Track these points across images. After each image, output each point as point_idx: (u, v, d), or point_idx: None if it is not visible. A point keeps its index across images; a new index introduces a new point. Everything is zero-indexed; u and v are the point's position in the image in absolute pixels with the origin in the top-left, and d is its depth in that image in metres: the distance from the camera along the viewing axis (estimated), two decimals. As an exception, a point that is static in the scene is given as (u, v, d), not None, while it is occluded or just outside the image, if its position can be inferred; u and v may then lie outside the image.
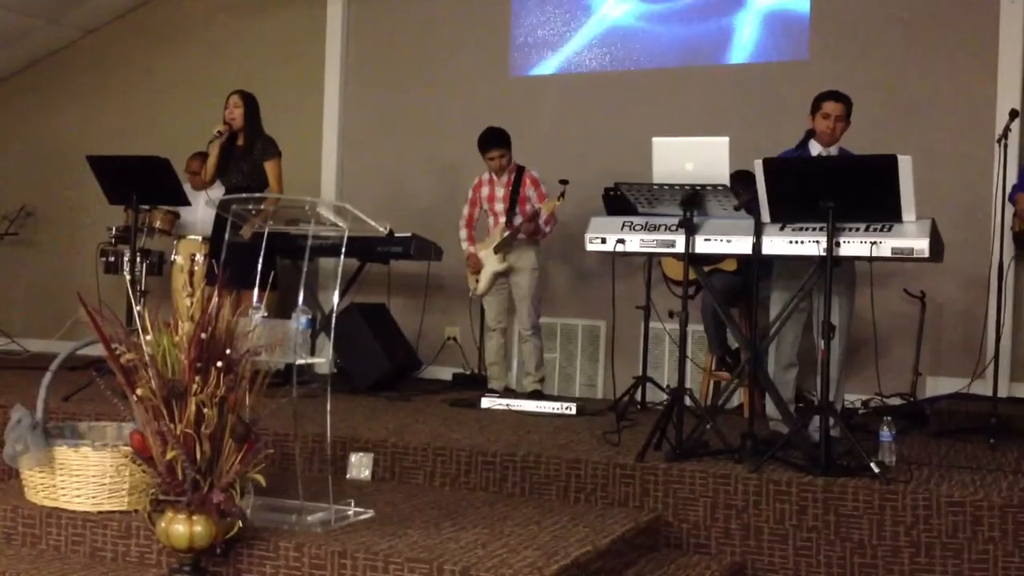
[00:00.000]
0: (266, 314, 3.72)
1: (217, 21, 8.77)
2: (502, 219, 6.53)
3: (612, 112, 7.44)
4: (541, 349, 6.63)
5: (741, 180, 5.00)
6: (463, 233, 6.70)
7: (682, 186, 4.40)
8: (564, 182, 6.23)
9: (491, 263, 6.52)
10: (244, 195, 4.52)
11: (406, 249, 6.90)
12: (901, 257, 4.25)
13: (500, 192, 6.56)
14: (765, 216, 4.40)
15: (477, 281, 6.61)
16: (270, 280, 3.85)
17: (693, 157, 4.45)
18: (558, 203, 6.27)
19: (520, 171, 6.55)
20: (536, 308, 6.54)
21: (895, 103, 6.65)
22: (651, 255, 5.59)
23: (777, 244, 4.40)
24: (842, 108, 4.84)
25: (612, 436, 4.76)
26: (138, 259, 6.67)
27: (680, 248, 4.52)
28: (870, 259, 4.33)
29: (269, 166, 6.35)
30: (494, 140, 6.48)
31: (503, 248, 6.47)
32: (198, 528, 3.24)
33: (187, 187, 7.03)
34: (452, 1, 8.06)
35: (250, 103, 6.42)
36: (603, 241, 4.72)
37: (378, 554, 3.26)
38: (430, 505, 4.03)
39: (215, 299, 3.31)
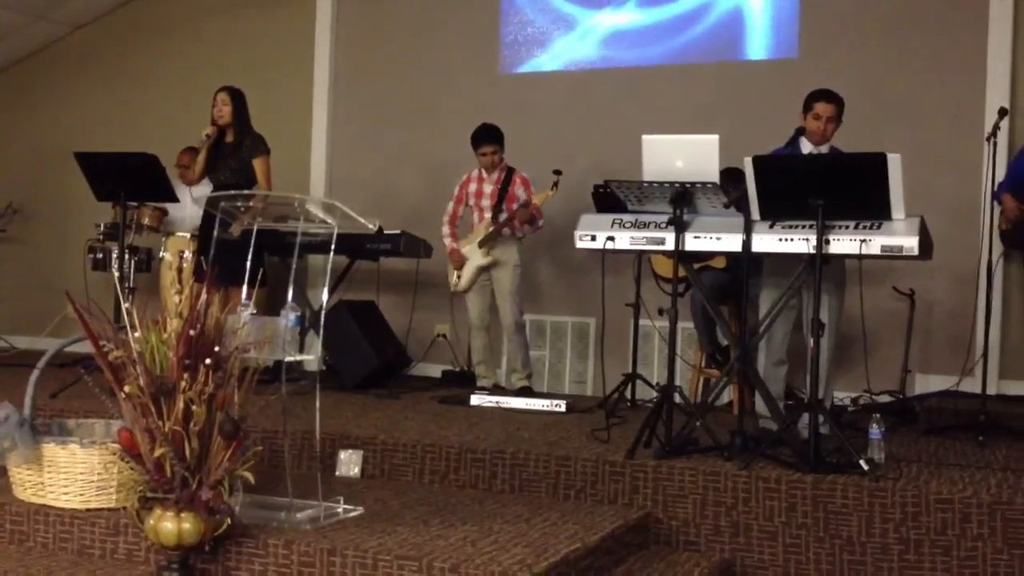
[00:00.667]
0: (255, 311, 3.71)
1: (207, 19, 8.75)
2: (487, 215, 6.52)
3: (602, 109, 7.44)
4: (526, 346, 6.63)
5: (731, 178, 5.00)
6: (445, 229, 6.69)
7: (672, 184, 4.40)
8: (558, 172, 6.23)
9: (475, 257, 6.52)
10: (232, 192, 4.51)
11: (395, 246, 6.90)
12: (890, 255, 4.26)
13: (488, 189, 6.56)
14: (755, 214, 4.41)
15: (458, 277, 6.60)
16: (259, 277, 3.83)
17: (683, 155, 4.45)
18: (551, 193, 6.26)
19: (510, 171, 6.55)
20: (518, 305, 6.54)
21: (884, 101, 6.66)
22: (641, 252, 5.59)
23: (767, 242, 4.41)
24: (833, 109, 4.85)
25: (602, 433, 4.76)
26: (126, 256, 6.65)
27: (670, 245, 4.52)
28: (859, 257, 4.35)
29: (258, 163, 6.33)
30: (486, 136, 6.48)
31: (488, 242, 6.46)
32: (186, 525, 3.23)
33: (177, 182, 7.01)
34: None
35: (238, 99, 6.39)
36: (593, 238, 4.72)
37: (367, 551, 3.25)
38: (419, 502, 4.02)
39: (203, 296, 3.30)
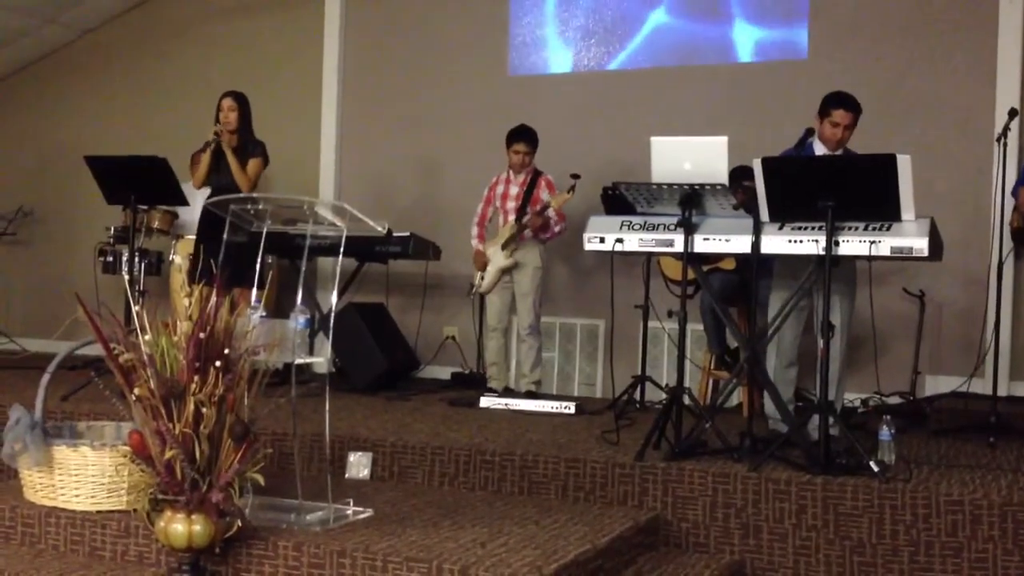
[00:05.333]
0: (264, 314, 3.72)
1: (216, 21, 8.77)
2: (512, 217, 6.53)
3: (611, 111, 7.44)
4: (539, 350, 6.60)
5: (744, 175, 5.00)
6: (474, 231, 6.70)
7: (680, 185, 4.39)
8: (576, 176, 6.24)
9: (497, 259, 6.52)
10: (241, 195, 4.53)
11: (404, 249, 6.90)
12: (900, 256, 4.25)
13: (514, 191, 6.56)
14: (764, 215, 4.40)
15: (482, 278, 6.61)
16: (256, 278, 3.84)
17: (691, 156, 4.45)
18: (568, 196, 6.27)
19: (537, 174, 6.56)
20: (536, 308, 6.53)
21: (894, 102, 6.65)
22: (650, 254, 5.59)
23: (776, 243, 4.40)
24: (852, 118, 4.80)
25: (611, 435, 4.76)
26: (136, 259, 6.67)
27: (679, 247, 4.52)
28: (869, 258, 4.33)
29: (253, 162, 6.34)
30: (522, 135, 6.50)
31: (510, 244, 6.47)
32: (197, 527, 3.24)
33: (190, 184, 7.02)
34: (451, 0, 8.06)
35: (243, 104, 6.40)
36: (601, 240, 4.72)
37: (377, 553, 3.26)
38: (429, 504, 4.03)
39: (213, 299, 3.31)
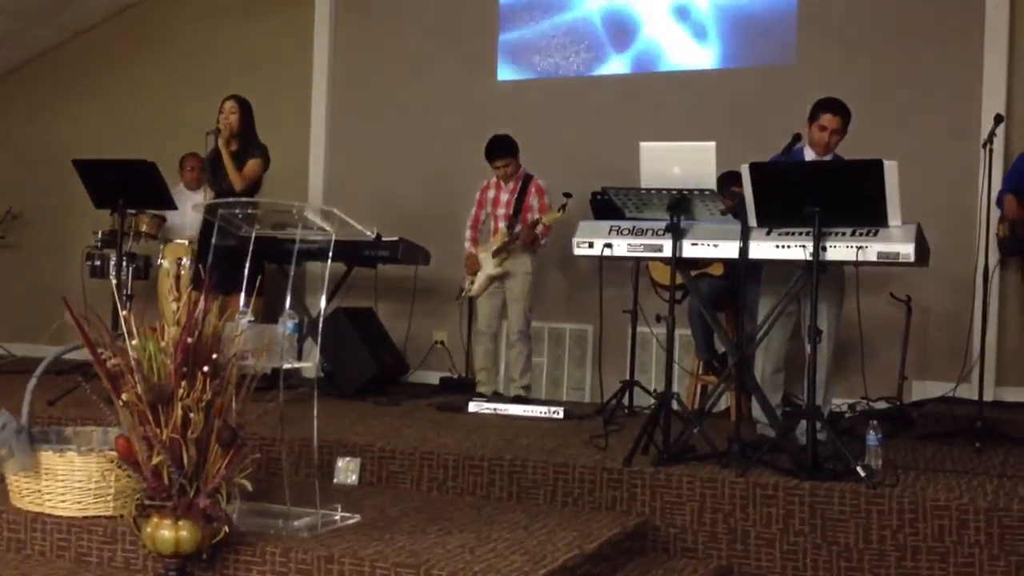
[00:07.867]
0: (253, 319, 3.72)
1: (205, 25, 8.75)
2: (503, 224, 6.55)
3: (599, 117, 7.44)
4: (528, 355, 6.61)
5: (734, 181, 5.01)
6: (467, 234, 6.73)
7: (669, 191, 4.40)
8: (567, 195, 6.28)
9: (487, 266, 6.54)
10: (231, 199, 4.52)
11: (393, 253, 6.89)
12: (887, 261, 4.27)
13: (504, 197, 6.59)
14: (752, 221, 4.41)
15: (472, 282, 6.62)
16: (256, 285, 3.84)
17: (680, 161, 4.46)
18: (558, 215, 6.29)
19: (527, 179, 6.58)
20: (527, 313, 6.54)
21: (881, 108, 6.66)
22: (638, 259, 5.59)
23: (764, 249, 4.41)
24: (839, 122, 4.84)
25: (599, 440, 4.76)
26: (124, 263, 6.65)
27: (667, 252, 4.53)
28: (856, 263, 4.35)
29: (252, 162, 6.32)
30: (497, 150, 6.52)
31: (500, 252, 6.49)
32: (184, 533, 3.23)
33: (179, 188, 7.02)
34: (439, 6, 8.07)
35: (245, 109, 6.39)
36: (590, 245, 4.73)
37: (364, 559, 3.25)
38: (417, 510, 4.02)
39: (201, 303, 3.31)
